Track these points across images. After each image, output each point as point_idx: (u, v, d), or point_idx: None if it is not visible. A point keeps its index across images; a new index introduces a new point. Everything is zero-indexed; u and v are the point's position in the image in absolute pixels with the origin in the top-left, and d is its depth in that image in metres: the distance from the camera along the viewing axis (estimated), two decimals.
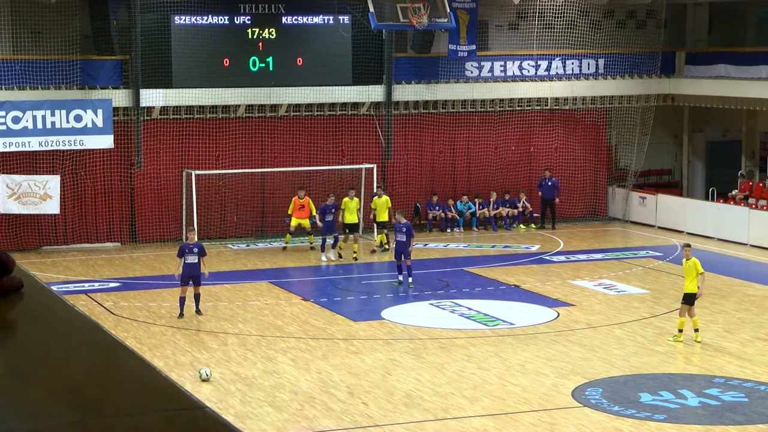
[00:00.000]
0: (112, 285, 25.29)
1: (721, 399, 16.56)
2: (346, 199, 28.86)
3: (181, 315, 21.78)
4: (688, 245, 20.80)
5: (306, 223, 29.11)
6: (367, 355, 19.27)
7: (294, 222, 29.01)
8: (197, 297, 21.93)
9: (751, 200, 31.73)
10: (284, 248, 29.13)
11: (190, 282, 21.77)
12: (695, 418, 15.73)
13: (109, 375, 2.99)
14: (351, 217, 28.59)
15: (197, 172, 29.97)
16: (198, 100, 30.28)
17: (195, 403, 2.88)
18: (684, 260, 20.37)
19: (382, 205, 28.45)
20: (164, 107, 30.19)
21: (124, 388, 2.92)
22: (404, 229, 24.68)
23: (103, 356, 3.19)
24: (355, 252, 28.21)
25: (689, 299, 19.83)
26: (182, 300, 21.78)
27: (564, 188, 33.65)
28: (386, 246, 28.46)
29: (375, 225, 28.96)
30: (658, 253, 29.17)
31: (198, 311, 21.87)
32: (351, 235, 28.41)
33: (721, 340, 20.16)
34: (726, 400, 16.54)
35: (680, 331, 19.85)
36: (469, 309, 22.80)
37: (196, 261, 21.70)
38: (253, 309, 22.93)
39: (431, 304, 23.09)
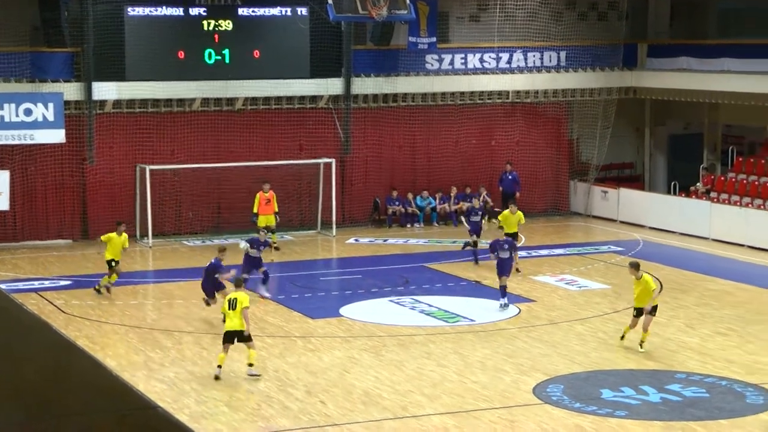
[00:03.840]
0: (63, 283, 25.15)
1: (683, 394, 16.78)
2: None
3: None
4: (637, 265, 19.63)
5: (272, 219, 28.71)
6: (325, 353, 19.31)
7: (262, 221, 28.28)
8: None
9: (713, 194, 32.10)
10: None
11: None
12: (656, 413, 15.93)
13: (59, 375, 3.02)
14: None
15: (151, 167, 29.84)
16: (152, 94, 30.15)
17: (147, 403, 2.93)
18: (634, 279, 19.43)
19: (514, 220, 26.17)
20: (117, 101, 30.04)
21: (74, 388, 2.96)
22: (506, 246, 23.10)
23: (53, 356, 3.22)
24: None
25: (641, 312, 19.47)
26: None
27: (525, 182, 33.84)
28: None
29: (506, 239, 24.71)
30: (619, 248, 29.44)
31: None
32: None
33: (682, 335, 20.41)
34: (687, 395, 16.76)
35: (622, 338, 19.61)
36: (429, 305, 22.88)
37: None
38: (209, 307, 22.87)
39: (391, 300, 23.16)
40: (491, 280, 25.36)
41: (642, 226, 32.46)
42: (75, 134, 29.73)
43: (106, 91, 29.68)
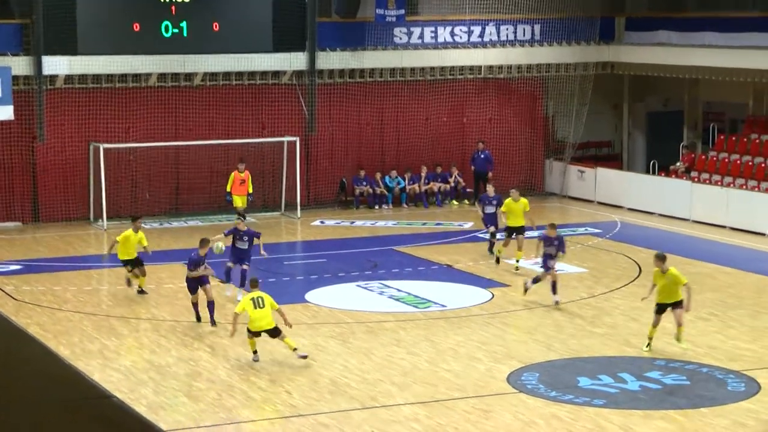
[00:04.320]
0: (12, 268, 24.94)
1: (663, 382, 16.87)
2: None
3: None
4: (663, 257, 19.08)
5: (244, 200, 28.62)
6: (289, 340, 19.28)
7: (237, 201, 28.27)
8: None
9: (694, 173, 32.27)
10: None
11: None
12: (635, 402, 16.00)
13: (9, 363, 2.96)
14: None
15: (105, 145, 29.63)
16: (106, 68, 29.91)
17: (101, 393, 2.87)
18: (657, 272, 18.82)
19: (519, 208, 24.95)
20: (69, 75, 29.77)
21: (24, 377, 2.90)
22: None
23: (2, 344, 3.16)
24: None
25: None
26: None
27: (498, 162, 33.88)
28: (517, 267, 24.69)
29: (507, 231, 24.98)
30: (597, 230, 29.54)
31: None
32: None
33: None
34: (667, 383, 16.86)
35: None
36: (399, 290, 22.88)
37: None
38: (167, 292, 22.78)
39: (358, 285, 23.14)
40: (464, 264, 25.41)
41: (620, 207, 32.58)
42: (24, 111, 29.45)
43: (56, 65, 29.40)
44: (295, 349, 17.87)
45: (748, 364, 17.74)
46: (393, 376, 17.25)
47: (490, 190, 26.41)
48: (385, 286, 23.20)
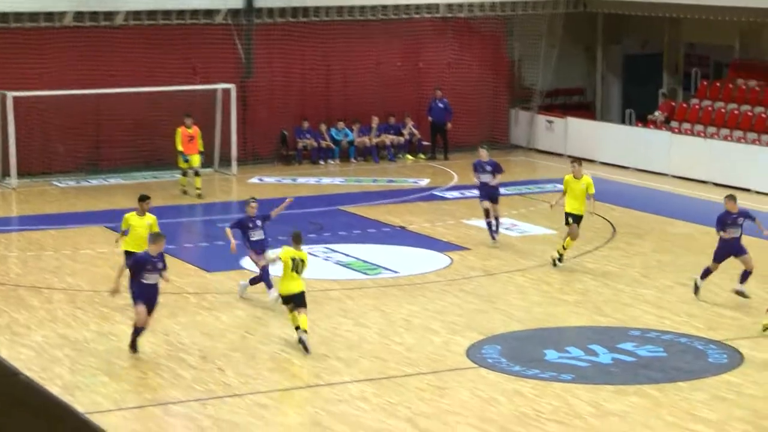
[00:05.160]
0: None
1: (637, 354, 17.03)
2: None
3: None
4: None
5: (196, 159, 28.18)
6: (223, 312, 19.23)
7: (184, 161, 27.81)
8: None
9: (674, 123, 32.45)
10: (199, 195, 28.05)
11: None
12: (607, 376, 16.14)
13: None
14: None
15: (14, 93, 29.29)
16: (14, 6, 29.52)
17: (8, 370, 2.82)
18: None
19: (581, 189, 21.75)
20: None
21: None
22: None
23: None
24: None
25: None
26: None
27: (458, 111, 33.87)
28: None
29: (565, 217, 21.90)
30: None
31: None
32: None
33: (637, 286, 20.69)
34: (642, 355, 17.01)
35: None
36: (346, 255, 22.88)
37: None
38: (84, 259, 22.64)
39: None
40: (419, 225, 25.44)
41: (592, 161, 32.69)
42: None
43: None
44: (305, 331, 17.05)
45: (730, 333, 17.94)
46: (339, 350, 17.27)
47: (483, 153, 23.58)
48: (331, 250, 23.18)
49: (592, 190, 21.66)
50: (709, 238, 24.39)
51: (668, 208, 27.23)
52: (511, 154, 34.52)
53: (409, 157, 33.73)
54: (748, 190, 28.59)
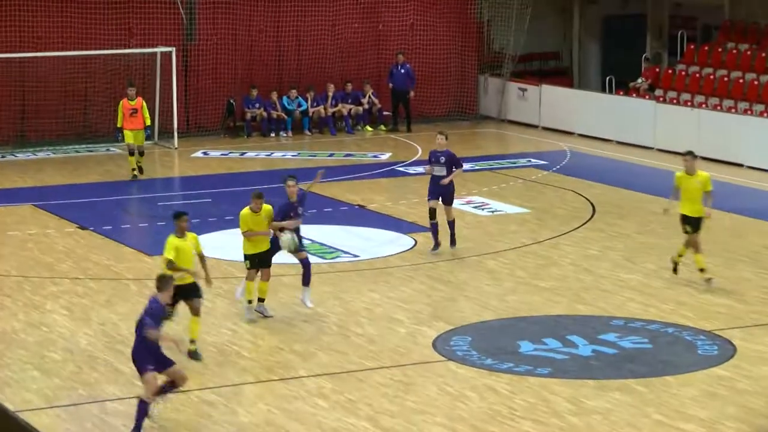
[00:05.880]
0: None
1: (620, 346, 17.12)
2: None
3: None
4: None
5: (140, 137, 27.60)
6: None
7: (128, 137, 27.11)
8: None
9: (659, 91, 32.59)
10: (134, 177, 27.52)
11: None
12: (587, 370, 16.23)
13: None
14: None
15: None
16: None
17: None
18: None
19: (696, 187, 20.05)
20: None
21: None
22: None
23: None
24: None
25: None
26: None
27: (421, 78, 33.89)
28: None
29: (683, 225, 20.09)
30: (542, 162, 29.75)
31: None
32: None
33: (620, 271, 20.79)
34: (625, 347, 17.11)
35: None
36: (301, 237, 22.86)
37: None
38: (11, 242, 22.53)
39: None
40: (380, 204, 25.45)
41: (570, 133, 32.83)
42: None
43: None
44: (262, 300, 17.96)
45: (721, 323, 18.08)
46: (294, 342, 17.27)
47: (441, 140, 21.51)
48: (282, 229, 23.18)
49: (710, 187, 19.88)
50: None
51: (652, 184, 27.34)
52: (480, 126, 34.58)
53: (369, 128, 33.73)
54: (740, 165, 28.79)
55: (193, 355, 16.42)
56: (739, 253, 21.79)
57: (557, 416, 14.65)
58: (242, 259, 18.32)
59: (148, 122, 27.48)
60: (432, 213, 21.40)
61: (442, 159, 21.26)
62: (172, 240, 16.49)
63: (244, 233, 18.11)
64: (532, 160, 30.11)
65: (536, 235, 23.13)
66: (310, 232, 23.13)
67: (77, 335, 17.53)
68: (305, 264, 18.39)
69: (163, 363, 14.04)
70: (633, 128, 31.48)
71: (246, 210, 18.06)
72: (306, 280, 18.38)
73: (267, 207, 18.08)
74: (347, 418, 14.59)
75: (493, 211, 25.00)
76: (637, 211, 25.14)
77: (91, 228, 23.49)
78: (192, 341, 16.54)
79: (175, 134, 31.13)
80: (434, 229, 21.51)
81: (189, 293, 16.43)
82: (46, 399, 15.27)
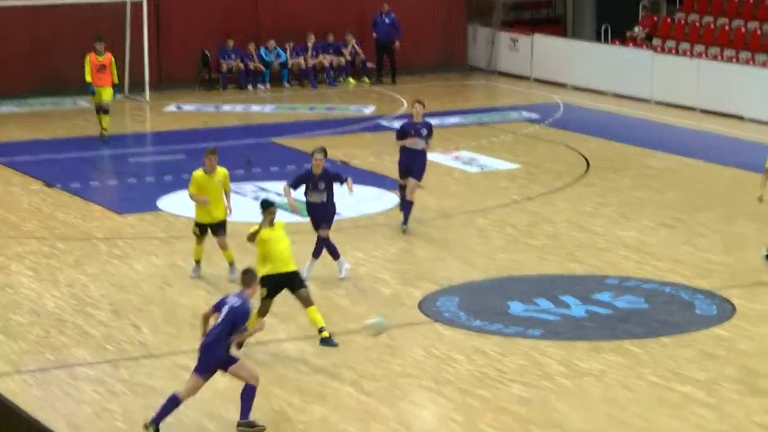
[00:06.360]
0: None
1: (614, 306, 17.19)
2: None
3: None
4: None
5: (107, 93, 27.20)
6: (137, 260, 19.20)
7: (96, 95, 26.79)
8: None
9: (656, 41, 32.57)
10: (102, 137, 27.08)
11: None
12: (580, 331, 16.30)
13: None
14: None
15: None
16: None
17: None
18: None
19: None
20: None
21: None
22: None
23: None
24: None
25: None
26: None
27: (407, 27, 33.77)
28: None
29: None
30: (534, 115, 29.75)
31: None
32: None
33: (615, 228, 20.85)
34: (620, 306, 17.18)
35: None
36: (279, 194, 22.84)
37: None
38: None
39: None
40: (363, 160, 25.45)
41: (563, 85, 32.81)
42: None
43: None
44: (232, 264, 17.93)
45: (720, 282, 18.16)
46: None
47: (418, 109, 20.52)
48: (262, 189, 23.17)
49: None
50: (695, 171, 24.72)
51: (649, 138, 27.40)
52: (469, 78, 34.53)
53: (352, 80, 33.65)
54: (740, 118, 28.83)
55: (327, 341, 15.50)
56: (739, 208, 21.82)
57: (548, 379, 14.73)
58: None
59: (116, 80, 27.23)
60: (402, 190, 20.64)
61: (424, 131, 20.38)
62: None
63: (190, 195, 18.04)
64: (524, 113, 30.09)
65: (527, 191, 23.16)
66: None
67: (44, 297, 17.54)
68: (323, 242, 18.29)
69: (228, 362, 13.38)
70: (629, 80, 31.46)
71: (199, 170, 17.98)
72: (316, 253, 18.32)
73: (222, 170, 18.02)
74: (330, 382, 14.64)
75: (482, 167, 25.01)
76: (632, 165, 25.18)
77: (58, 185, 23.44)
78: (321, 330, 15.58)
79: (147, 87, 31.01)
80: (408, 206, 20.60)
81: (292, 283, 15.73)
82: (12, 364, 15.28)
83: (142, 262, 19.10)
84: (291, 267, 15.78)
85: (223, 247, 18.15)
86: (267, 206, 16.06)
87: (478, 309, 17.13)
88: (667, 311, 17.04)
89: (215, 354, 13.27)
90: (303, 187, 18.48)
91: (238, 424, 13.33)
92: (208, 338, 13.35)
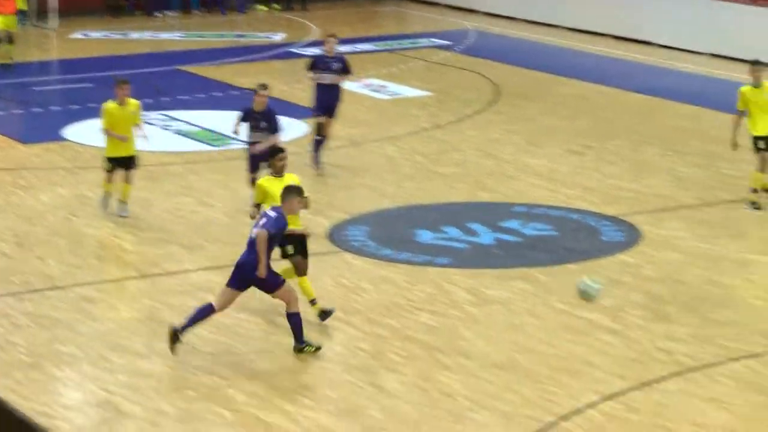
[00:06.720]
0: None
1: (522, 233, 17.31)
2: None
3: None
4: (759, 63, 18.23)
5: (11, 22, 26.70)
6: (43, 190, 19.04)
7: (1, 22, 26.36)
8: None
9: None
10: (7, 65, 26.68)
11: None
12: (488, 259, 16.40)
13: None
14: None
15: None
16: None
17: None
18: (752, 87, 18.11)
19: (766, 100, 18.09)
20: None
21: None
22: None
23: None
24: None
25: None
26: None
27: None
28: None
29: (753, 142, 18.25)
30: (444, 41, 29.76)
31: None
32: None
33: (523, 155, 20.95)
34: (528, 234, 17.30)
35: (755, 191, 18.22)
36: (188, 124, 22.76)
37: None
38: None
39: None
40: (275, 88, 25.22)
41: (473, 12, 32.81)
42: None
43: None
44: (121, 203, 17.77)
45: (627, 208, 18.33)
46: (181, 234, 17.23)
47: (331, 43, 20.01)
48: (170, 118, 23.06)
49: None
50: (604, 98, 24.88)
51: (560, 64, 27.51)
52: (379, 5, 34.43)
53: (261, 7, 33.46)
54: (649, 44, 28.99)
55: (325, 314, 14.49)
56: (646, 134, 22.03)
57: (456, 307, 14.81)
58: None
59: (25, 6, 26.84)
60: (319, 128, 20.10)
61: (335, 65, 19.83)
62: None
63: (104, 131, 17.71)
64: (434, 40, 30.08)
65: (437, 119, 23.20)
66: (198, 117, 23.04)
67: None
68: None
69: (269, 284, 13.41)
70: (540, 5, 31.47)
71: (111, 102, 17.70)
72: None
73: (134, 101, 17.75)
74: (237, 313, 14.56)
75: (392, 94, 25.01)
76: (542, 92, 25.29)
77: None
78: (312, 301, 14.60)
79: (53, 14, 30.63)
80: (317, 145, 20.08)
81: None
82: None
83: (47, 192, 18.92)
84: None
85: (128, 181, 17.87)
86: (274, 155, 14.97)
87: (386, 238, 17.17)
88: (574, 238, 17.18)
89: (250, 270, 13.27)
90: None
91: (294, 348, 13.51)
92: (244, 256, 13.36)
